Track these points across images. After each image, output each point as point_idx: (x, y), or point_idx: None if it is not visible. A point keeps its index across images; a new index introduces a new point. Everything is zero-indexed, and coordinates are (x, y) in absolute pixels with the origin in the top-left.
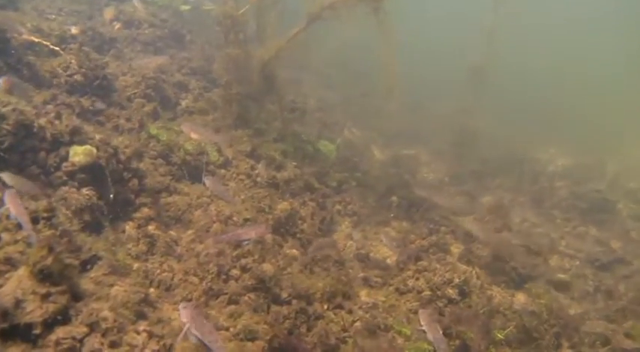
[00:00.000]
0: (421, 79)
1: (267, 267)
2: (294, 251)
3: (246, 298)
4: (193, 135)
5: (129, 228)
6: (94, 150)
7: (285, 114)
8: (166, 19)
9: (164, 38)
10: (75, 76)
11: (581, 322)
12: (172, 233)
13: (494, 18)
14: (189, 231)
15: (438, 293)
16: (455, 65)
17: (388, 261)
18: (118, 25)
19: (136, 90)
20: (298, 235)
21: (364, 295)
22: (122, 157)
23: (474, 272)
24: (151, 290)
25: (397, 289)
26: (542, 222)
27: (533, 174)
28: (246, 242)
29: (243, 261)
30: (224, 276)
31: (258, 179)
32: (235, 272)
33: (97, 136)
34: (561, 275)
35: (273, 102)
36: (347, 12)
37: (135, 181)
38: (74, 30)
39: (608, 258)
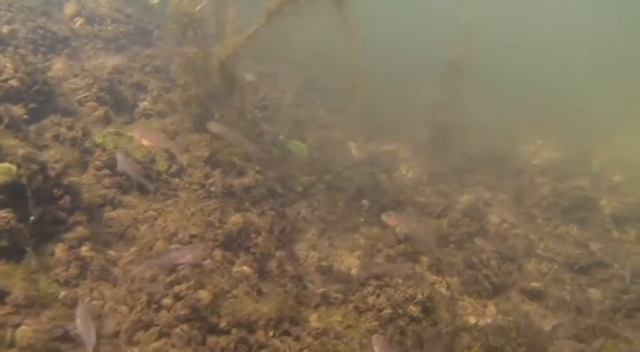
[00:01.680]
0: (402, 71)
1: (203, 294)
2: (246, 268)
3: (178, 330)
4: (145, 142)
5: (58, 250)
6: (14, 168)
7: (255, 114)
8: (131, 15)
9: (128, 34)
10: (10, 82)
11: (549, 341)
12: (111, 253)
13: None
14: (133, 249)
15: (400, 311)
16: (436, 57)
17: (354, 271)
18: (79, 21)
19: (87, 94)
20: (252, 250)
21: (314, 320)
22: (52, 173)
23: (444, 282)
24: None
25: (356, 307)
26: (521, 222)
27: (515, 170)
28: (181, 266)
29: (176, 288)
30: (155, 306)
31: (213, 188)
32: (167, 301)
33: (20, 151)
34: (535, 284)
35: (236, 103)
36: (308, 6)
37: (67, 198)
38: (4, 29)
39: (587, 261)
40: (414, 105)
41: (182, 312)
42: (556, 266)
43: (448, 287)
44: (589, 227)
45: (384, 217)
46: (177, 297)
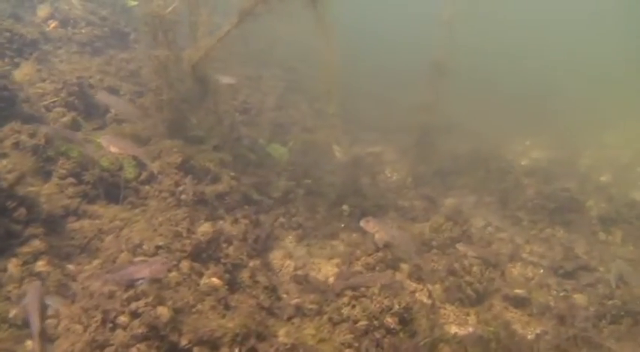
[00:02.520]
0: (388, 73)
1: (163, 311)
2: (215, 280)
3: (134, 350)
4: (113, 149)
5: (11, 266)
6: None
7: (236, 117)
8: (107, 17)
9: (104, 38)
10: None
11: None
12: (70, 267)
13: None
14: (96, 262)
15: (376, 322)
16: (421, 58)
17: (331, 279)
18: (53, 24)
19: (55, 99)
20: (223, 260)
21: (283, 334)
22: (4, 184)
23: (425, 290)
24: (28, 342)
25: (330, 319)
26: (506, 225)
27: (501, 172)
28: (140, 281)
29: (133, 305)
30: (110, 324)
31: (183, 197)
32: (123, 319)
33: None
34: (519, 291)
35: (211, 107)
36: (281, 6)
37: (22, 210)
38: None
39: (573, 265)
40: (400, 106)
41: (139, 331)
42: (541, 271)
43: (429, 296)
44: (576, 228)
45: (362, 223)
46: (135, 315)
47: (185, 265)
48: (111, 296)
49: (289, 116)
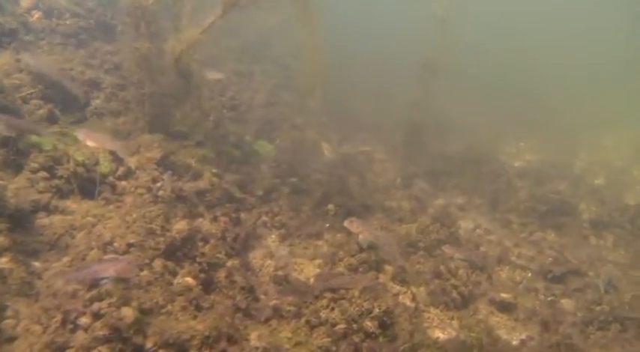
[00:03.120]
0: (382, 70)
1: (127, 312)
2: (189, 279)
3: None
4: (89, 143)
5: None
6: None
7: (223, 113)
8: (93, 9)
9: (89, 29)
10: None
11: None
12: (36, 264)
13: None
14: (65, 259)
15: (355, 326)
16: (420, 54)
17: (313, 280)
18: (37, 15)
19: (32, 90)
20: (199, 259)
21: (255, 338)
22: None
23: (408, 293)
24: None
25: (308, 322)
26: (496, 228)
27: (493, 174)
28: (104, 281)
29: (96, 306)
30: (71, 325)
31: (160, 193)
32: (85, 320)
33: None
34: (505, 295)
35: (195, 102)
36: None
37: None
38: None
39: (562, 269)
40: (396, 104)
41: (101, 332)
42: (530, 275)
43: (413, 299)
44: (566, 232)
45: (346, 224)
46: (97, 315)
47: (158, 264)
48: (73, 295)
49: (279, 113)
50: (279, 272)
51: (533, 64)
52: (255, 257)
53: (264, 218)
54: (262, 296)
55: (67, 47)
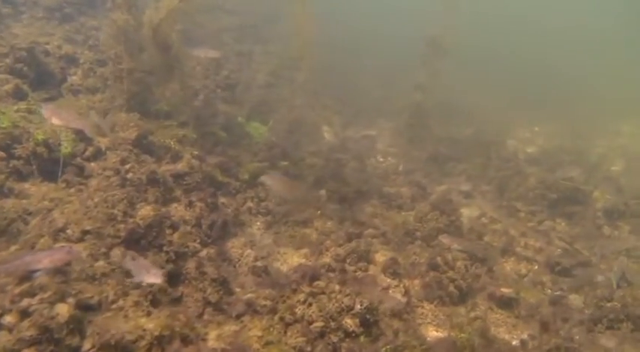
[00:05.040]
0: (390, 50)
1: (62, 309)
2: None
3: None
4: (55, 121)
5: None
6: None
7: (217, 93)
8: None
9: (76, 4)
10: None
11: None
12: None
13: None
14: (14, 247)
15: (333, 324)
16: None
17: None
18: None
19: None
20: (166, 248)
21: (214, 337)
22: None
23: (400, 286)
24: None
25: (282, 319)
26: (502, 216)
27: (504, 159)
28: (37, 273)
29: (25, 302)
30: None
31: (129, 175)
32: (10, 318)
33: None
34: (506, 289)
35: (180, 79)
36: None
37: None
38: None
39: (572, 261)
40: (402, 86)
41: (28, 333)
42: (536, 268)
43: (405, 293)
44: (578, 221)
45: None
46: (25, 313)
47: (117, 253)
48: (1, 290)
49: (278, 94)
50: (259, 263)
51: (552, 48)
52: (235, 246)
53: (249, 204)
54: (237, 289)
55: (51, 21)
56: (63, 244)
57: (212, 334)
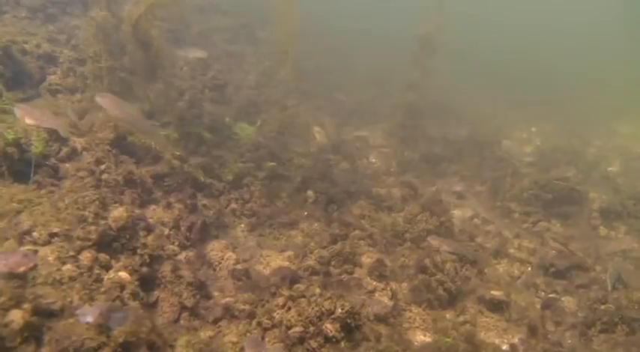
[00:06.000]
0: (383, 50)
1: (16, 315)
2: (123, 274)
3: None
4: (28, 121)
5: None
6: None
7: (205, 93)
8: None
9: (60, 3)
10: None
11: None
12: None
13: None
14: None
15: (312, 329)
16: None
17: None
18: None
19: None
20: (140, 251)
21: (183, 345)
22: None
23: (387, 289)
24: None
25: (260, 324)
26: (495, 217)
27: (499, 159)
28: None
29: None
30: None
31: (104, 176)
32: None
33: None
34: (496, 292)
35: (162, 78)
36: None
37: None
38: None
39: (566, 263)
40: (396, 86)
41: None
42: (529, 269)
43: (392, 296)
44: (573, 223)
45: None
46: None
47: (87, 256)
48: None
49: (268, 95)
50: (239, 266)
51: (550, 48)
52: (215, 249)
53: (233, 205)
54: (216, 293)
55: (34, 21)
56: (29, 247)
57: (181, 340)
